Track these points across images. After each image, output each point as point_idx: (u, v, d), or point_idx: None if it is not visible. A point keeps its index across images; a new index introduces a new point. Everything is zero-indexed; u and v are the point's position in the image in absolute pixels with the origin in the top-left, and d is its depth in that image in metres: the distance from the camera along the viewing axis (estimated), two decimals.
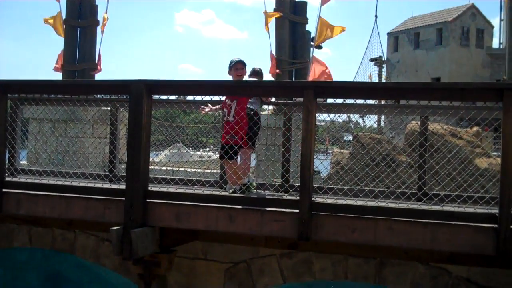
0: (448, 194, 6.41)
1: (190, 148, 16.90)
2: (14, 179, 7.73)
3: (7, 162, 7.69)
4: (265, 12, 13.37)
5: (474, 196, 5.97)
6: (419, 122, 7.95)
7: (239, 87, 6.80)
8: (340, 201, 6.09)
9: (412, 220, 5.62)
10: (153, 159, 13.30)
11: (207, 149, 19.29)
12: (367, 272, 7.19)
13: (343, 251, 7.07)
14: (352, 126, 11.97)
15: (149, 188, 6.59)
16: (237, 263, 7.72)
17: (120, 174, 8.30)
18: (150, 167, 6.68)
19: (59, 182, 7.21)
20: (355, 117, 9.73)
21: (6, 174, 7.43)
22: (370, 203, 6.00)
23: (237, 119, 6.98)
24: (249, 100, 7.38)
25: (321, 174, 10.20)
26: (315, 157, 6.10)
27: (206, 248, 7.80)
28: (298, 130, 7.19)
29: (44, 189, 7.10)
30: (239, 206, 6.23)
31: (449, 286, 6.94)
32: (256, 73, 7.89)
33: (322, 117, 8.27)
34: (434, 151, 7.36)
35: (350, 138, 10.61)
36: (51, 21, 15.28)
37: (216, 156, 15.87)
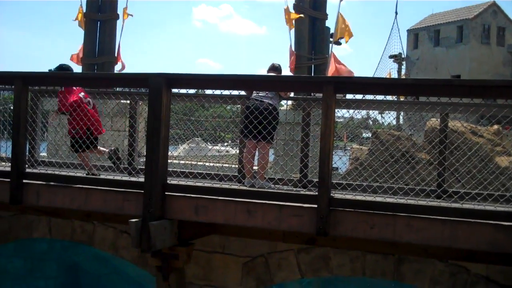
0: (468, 192, 6.36)
1: (209, 143, 16.94)
2: (34, 171, 7.80)
3: (27, 153, 7.76)
4: (286, 9, 13.37)
5: (494, 194, 5.91)
6: (439, 119, 7.90)
7: (258, 82, 6.80)
8: (358, 197, 6.07)
9: (431, 217, 5.58)
10: (172, 153, 13.35)
11: (225, 144, 19.33)
12: (385, 269, 7.16)
13: (361, 247, 7.05)
14: (371, 122, 11.91)
15: (168, 181, 6.62)
16: (254, 257, 7.74)
17: (139, 167, 8.35)
18: (168, 161, 6.70)
19: (79, 174, 7.26)
20: (374, 113, 9.67)
21: (26, 166, 7.49)
22: (389, 200, 5.97)
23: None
24: (268, 95, 7.39)
25: (340, 170, 10.17)
26: (333, 153, 6.09)
27: (223, 241, 7.82)
28: (317, 125, 7.17)
29: (64, 180, 7.15)
30: (258, 201, 6.23)
31: (468, 284, 6.90)
32: (275, 68, 7.90)
33: (341, 113, 8.24)
34: (454, 148, 7.32)
35: (369, 135, 10.57)
36: (79, 18, 15.41)
37: (234, 150, 15.91)
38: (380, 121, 12.23)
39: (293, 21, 13.41)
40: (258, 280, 7.74)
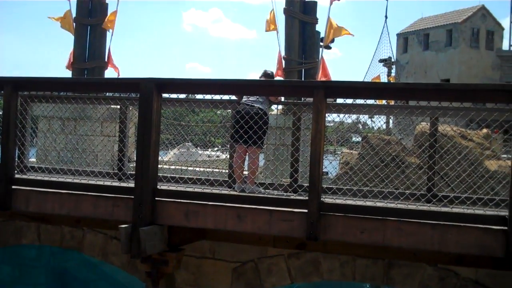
0: (458, 196, 6.39)
1: (199, 148, 16.93)
2: (24, 176, 7.76)
3: (16, 159, 7.72)
4: (271, 15, 13.55)
5: (484, 198, 5.94)
6: (428, 124, 7.93)
7: (248, 86, 6.80)
8: (349, 202, 6.08)
9: (421, 221, 5.60)
10: (162, 158, 13.33)
11: (216, 148, 19.32)
12: (375, 273, 7.17)
13: (351, 251, 7.05)
14: (361, 127, 11.93)
15: (158, 186, 6.60)
16: (245, 262, 7.72)
17: (129, 172, 8.32)
18: (159, 166, 6.69)
19: (68, 180, 7.23)
20: (364, 118, 9.70)
21: (16, 172, 7.45)
22: (379, 204, 5.98)
23: None
24: (258, 99, 7.40)
25: (330, 175, 10.18)
26: (323, 157, 6.10)
27: (214, 247, 7.80)
28: (307, 130, 7.18)
29: (53, 186, 7.12)
30: (248, 206, 6.23)
31: None
32: (267, 75, 7.95)
33: (331, 118, 8.25)
34: (444, 152, 7.34)
35: (359, 139, 10.59)
36: (56, 19, 15.36)
37: (224, 155, 15.89)
38: (370, 126, 12.27)
39: (279, 23, 13.63)
40: (248, 286, 7.72)
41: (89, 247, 8.53)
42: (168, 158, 16.10)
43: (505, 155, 8.96)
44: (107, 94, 9.87)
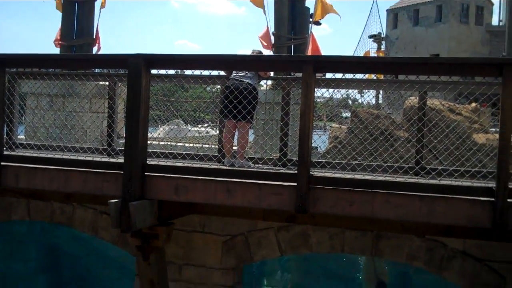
0: (445, 168, 6.44)
1: (189, 124, 16.89)
2: (13, 153, 7.73)
3: (5, 136, 7.69)
4: None
5: (471, 171, 5.99)
6: (417, 98, 7.96)
7: (238, 61, 6.78)
8: (338, 175, 6.12)
9: (409, 193, 5.65)
10: (152, 135, 13.31)
11: (205, 125, 19.28)
12: (363, 245, 7.25)
13: (340, 224, 7.12)
14: (350, 102, 11.94)
15: (148, 162, 6.61)
16: (234, 236, 7.78)
17: (118, 148, 8.31)
18: (148, 142, 6.69)
19: (58, 156, 7.21)
20: (353, 93, 9.71)
21: (4, 148, 7.43)
22: (367, 177, 6.02)
23: None
24: (247, 74, 7.39)
25: (319, 149, 10.21)
26: (313, 132, 6.12)
27: (204, 221, 7.85)
28: (296, 105, 7.19)
29: (43, 162, 7.10)
30: (238, 179, 6.25)
31: (444, 259, 7.01)
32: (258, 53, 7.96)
33: (320, 93, 8.26)
34: (432, 126, 7.38)
35: (349, 114, 10.61)
36: None
37: (214, 131, 15.88)
38: (360, 101, 12.28)
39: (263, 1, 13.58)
40: (238, 258, 7.79)
41: (79, 222, 8.56)
42: (158, 135, 16.08)
43: (493, 129, 9.02)
44: (96, 70, 9.83)
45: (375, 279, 11.17)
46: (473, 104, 9.18)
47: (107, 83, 9.26)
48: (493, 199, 5.38)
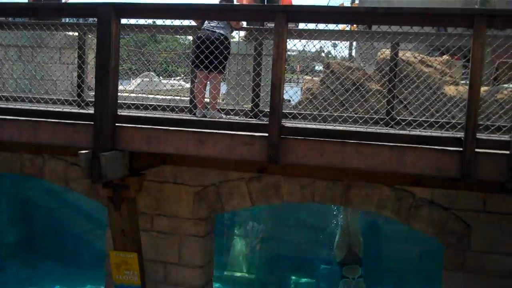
0: (415, 119, 6.50)
1: (162, 77, 16.71)
2: None
3: None
4: None
5: (441, 121, 6.06)
6: (389, 49, 7.97)
7: (210, 11, 6.68)
8: (309, 126, 6.14)
9: (379, 143, 5.70)
10: (124, 88, 13.16)
11: (179, 77, 19.09)
12: (334, 195, 7.33)
13: (311, 174, 7.19)
14: (324, 55, 11.90)
15: (119, 113, 6.55)
16: (206, 186, 7.80)
17: (88, 99, 8.22)
18: (120, 94, 6.62)
19: (27, 107, 7.11)
20: (327, 45, 9.69)
21: None
22: (338, 127, 6.06)
23: None
24: (219, 25, 7.31)
25: (292, 102, 10.22)
26: (286, 85, 6.11)
27: (175, 172, 7.85)
28: (269, 56, 7.14)
29: (12, 113, 7.00)
30: (209, 130, 6.24)
31: (413, 207, 7.14)
32: (227, 0, 7.85)
33: (293, 44, 8.20)
34: (404, 77, 7.41)
35: (322, 68, 10.58)
36: None
37: (187, 85, 15.75)
38: (333, 54, 12.24)
39: None
40: (210, 209, 7.84)
41: (50, 174, 8.49)
42: (130, 88, 15.91)
43: (463, 81, 9.09)
44: (66, 20, 9.62)
45: (347, 248, 11.38)
46: (445, 56, 9.22)
47: (77, 33, 9.07)
48: (461, 149, 5.46)
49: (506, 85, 7.90)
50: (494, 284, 7.03)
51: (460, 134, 5.53)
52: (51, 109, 7.03)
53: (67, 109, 7.23)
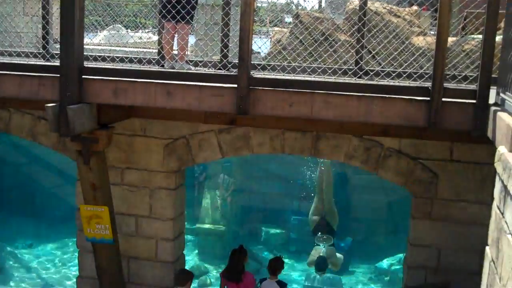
0: (384, 69, 6.51)
1: (129, 30, 16.40)
2: None
3: None
4: None
5: (408, 71, 6.07)
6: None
7: None
8: (278, 76, 6.12)
9: (348, 93, 5.72)
10: (91, 40, 12.91)
11: (147, 30, 18.78)
12: (303, 146, 7.37)
13: (280, 125, 7.20)
14: (294, 7, 11.78)
15: (85, 65, 6.44)
16: (176, 139, 7.77)
17: (54, 51, 8.04)
18: (87, 47, 6.49)
19: None
20: None
21: None
22: (307, 78, 6.05)
23: None
24: None
25: (262, 53, 10.15)
26: (255, 37, 6.05)
27: (145, 125, 7.79)
28: (238, 6, 7.05)
29: None
30: (178, 82, 6.18)
31: (381, 157, 7.23)
32: None
33: None
34: (373, 27, 7.39)
35: (291, 20, 10.48)
36: None
37: (155, 37, 15.53)
38: (303, 6, 12.12)
39: None
40: (180, 161, 7.83)
41: (16, 128, 8.35)
42: (98, 40, 15.62)
43: (432, 31, 9.09)
44: None
45: (320, 216, 11.51)
46: (413, 7, 9.21)
47: None
48: (428, 98, 5.50)
49: (473, 36, 7.93)
50: (461, 231, 7.20)
51: (428, 84, 5.57)
52: (16, 61, 6.88)
53: (32, 61, 7.07)
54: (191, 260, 12.98)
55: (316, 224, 11.57)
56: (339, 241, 12.59)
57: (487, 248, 3.94)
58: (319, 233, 11.30)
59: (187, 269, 8.66)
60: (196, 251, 13.92)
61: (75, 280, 8.92)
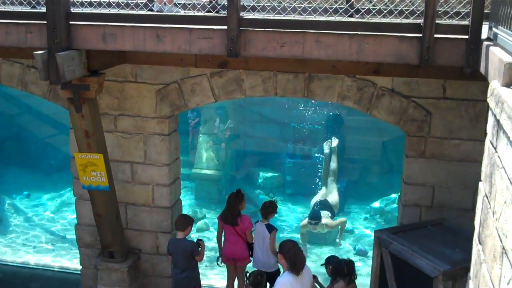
0: (375, 7, 6.40)
1: None
2: None
3: None
4: None
5: (400, 8, 5.97)
6: None
7: None
8: (268, 17, 6.03)
9: (339, 32, 5.65)
10: None
11: None
12: (296, 87, 7.33)
13: (272, 67, 7.14)
14: None
15: (72, 10, 6.32)
16: (168, 84, 7.72)
17: None
18: None
19: None
20: None
21: None
22: (298, 17, 5.96)
23: None
24: None
25: None
26: None
27: (136, 70, 7.72)
28: None
29: None
30: (167, 25, 6.09)
31: (374, 97, 7.20)
32: None
33: None
34: None
35: None
36: None
37: None
38: None
39: None
40: (173, 106, 7.79)
41: (6, 78, 8.26)
42: None
43: None
44: None
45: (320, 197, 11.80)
46: None
47: None
48: (420, 35, 5.44)
49: None
50: (455, 169, 7.25)
51: (420, 20, 5.50)
52: (1, 9, 6.75)
53: (18, 9, 6.93)
54: (187, 205, 13.12)
55: (317, 201, 11.83)
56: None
57: (480, 183, 3.96)
58: (316, 205, 11.56)
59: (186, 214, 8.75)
60: (193, 196, 14.07)
61: (73, 228, 9.00)
